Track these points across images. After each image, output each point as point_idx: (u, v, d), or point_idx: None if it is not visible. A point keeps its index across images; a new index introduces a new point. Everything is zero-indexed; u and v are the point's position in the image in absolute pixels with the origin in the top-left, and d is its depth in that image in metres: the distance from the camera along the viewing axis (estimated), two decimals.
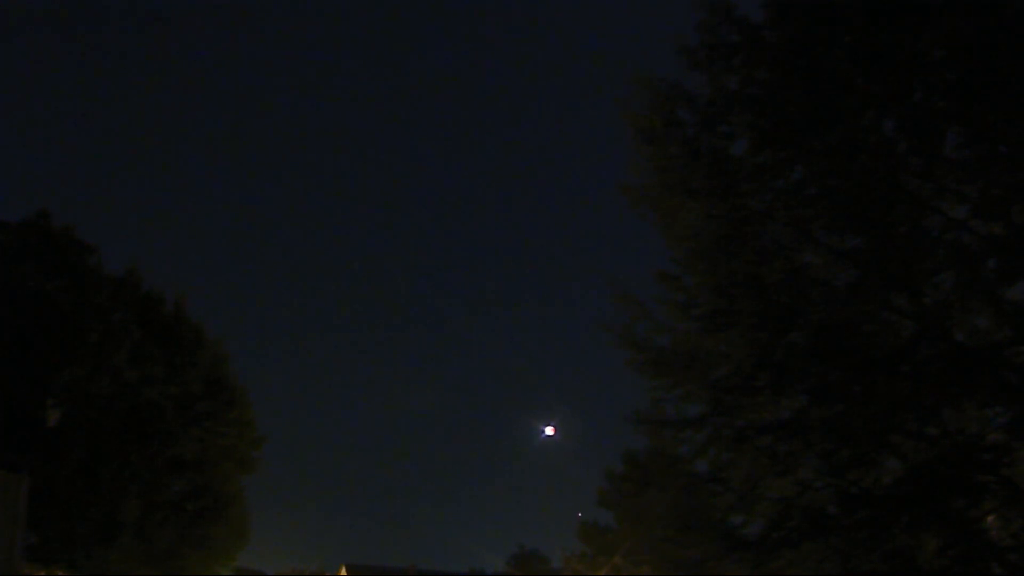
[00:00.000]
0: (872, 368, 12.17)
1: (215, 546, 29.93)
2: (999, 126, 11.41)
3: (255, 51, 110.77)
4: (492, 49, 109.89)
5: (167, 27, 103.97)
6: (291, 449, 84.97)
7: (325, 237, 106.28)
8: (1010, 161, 11.47)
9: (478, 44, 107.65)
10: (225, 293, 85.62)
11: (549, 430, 36.47)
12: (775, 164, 13.21)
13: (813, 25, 12.52)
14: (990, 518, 12.64)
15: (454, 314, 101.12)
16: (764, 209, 13.41)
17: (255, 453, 31.98)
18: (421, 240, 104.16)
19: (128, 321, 27.20)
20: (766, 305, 13.16)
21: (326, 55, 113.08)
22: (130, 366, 26.52)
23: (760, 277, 13.31)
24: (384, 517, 77.80)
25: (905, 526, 12.20)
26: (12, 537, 17.43)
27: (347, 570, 50.28)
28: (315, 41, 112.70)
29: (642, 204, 14.94)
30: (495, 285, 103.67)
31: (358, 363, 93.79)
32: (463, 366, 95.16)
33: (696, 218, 14.10)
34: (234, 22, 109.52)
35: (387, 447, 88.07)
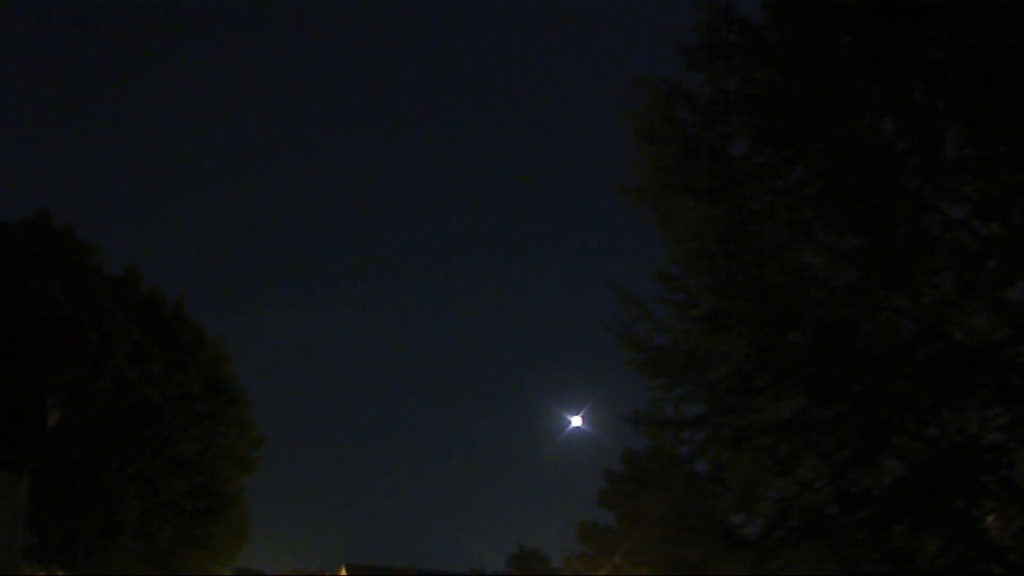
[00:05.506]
0: (872, 368, 12.17)
1: (215, 546, 29.92)
2: (999, 126, 11.41)
3: (255, 50, 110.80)
4: (492, 49, 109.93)
5: (166, 26, 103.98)
6: (291, 449, 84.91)
7: (326, 237, 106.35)
8: (1010, 161, 11.46)
9: (478, 44, 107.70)
10: (225, 293, 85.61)
11: (577, 420, 36.12)
12: (775, 164, 13.20)
13: (813, 25, 12.52)
14: (990, 518, 12.64)
15: (453, 313, 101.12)
16: (764, 209, 13.40)
17: (255, 453, 31.97)
18: (420, 240, 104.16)
19: (128, 321, 27.19)
20: (766, 305, 13.16)
21: (327, 54, 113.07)
22: (130, 366, 26.52)
23: (760, 277, 13.31)
24: (384, 517, 77.82)
25: (905, 526, 12.20)
26: (12, 537, 17.41)
27: (347, 570, 50.27)
28: (316, 40, 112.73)
29: (642, 204, 14.96)
30: (492, 284, 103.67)
31: (359, 363, 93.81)
32: (463, 365, 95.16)
33: (696, 218, 14.10)
34: (234, 21, 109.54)
35: (388, 447, 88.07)
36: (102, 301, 26.82)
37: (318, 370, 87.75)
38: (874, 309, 12.69)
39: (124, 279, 28.69)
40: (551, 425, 38.87)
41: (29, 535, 20.87)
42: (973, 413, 12.62)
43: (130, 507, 26.05)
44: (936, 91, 12.10)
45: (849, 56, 12.34)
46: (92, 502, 25.49)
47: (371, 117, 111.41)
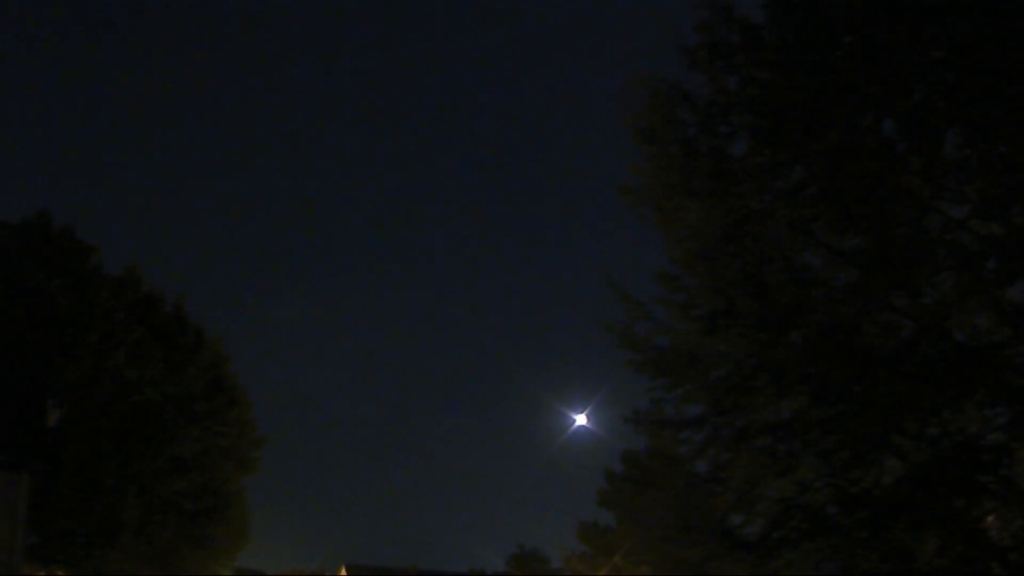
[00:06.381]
0: (872, 368, 12.17)
1: (215, 546, 29.94)
2: (999, 126, 11.41)
3: (255, 50, 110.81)
4: (492, 48, 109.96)
5: (167, 26, 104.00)
6: (291, 449, 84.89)
7: (327, 236, 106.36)
8: (1010, 161, 11.46)
9: (478, 43, 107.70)
10: (225, 293, 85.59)
11: (581, 419, 36.10)
12: (775, 164, 13.20)
13: (813, 25, 12.52)
14: (990, 518, 12.64)
15: (452, 312, 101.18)
16: (764, 209, 13.40)
17: (255, 453, 32.00)
18: (421, 239, 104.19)
19: (128, 321, 27.21)
20: (766, 305, 13.16)
21: (327, 52, 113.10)
22: (130, 366, 26.54)
23: (760, 277, 13.31)
24: (384, 517, 77.84)
25: (905, 526, 12.20)
26: (12, 537, 17.44)
27: (347, 570, 50.28)
28: (316, 39, 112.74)
29: (642, 204, 14.98)
30: (492, 283, 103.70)
31: (360, 362, 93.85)
32: (463, 363, 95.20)
33: (696, 218, 14.11)
34: (234, 21, 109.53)
35: (388, 446, 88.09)
36: (102, 301, 26.82)
37: (319, 369, 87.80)
38: (874, 309, 12.69)
39: (124, 279, 28.71)
40: (554, 424, 38.81)
41: (29, 535, 20.89)
42: (973, 413, 12.61)
43: (130, 507, 26.05)
44: (936, 91, 12.09)
45: (849, 56, 12.33)
46: (92, 502, 25.50)
47: (371, 116, 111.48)
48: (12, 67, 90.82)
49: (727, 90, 13.70)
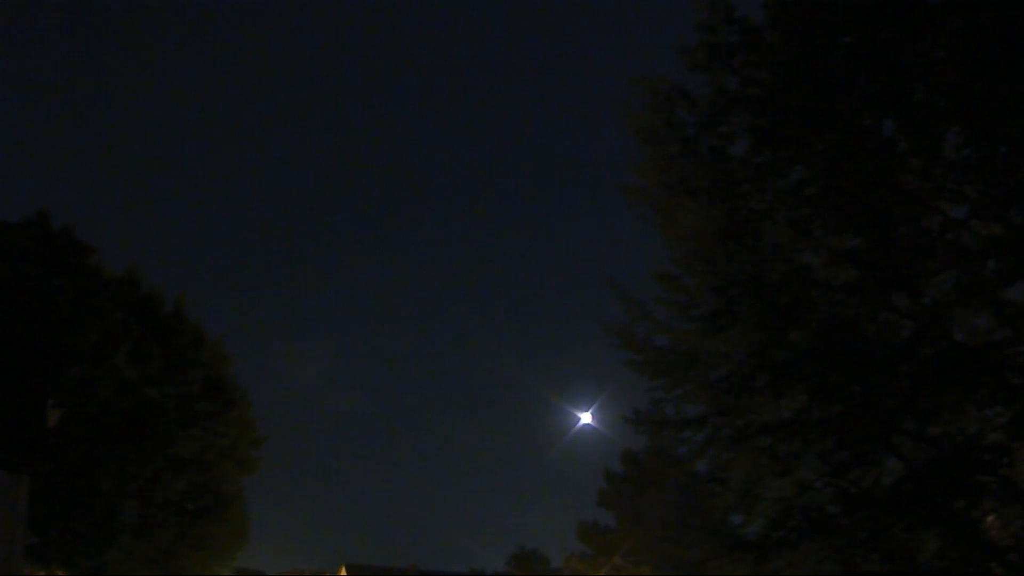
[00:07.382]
0: (872, 368, 12.17)
1: (215, 546, 29.95)
2: (999, 126, 11.40)
3: (255, 51, 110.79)
4: (492, 49, 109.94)
5: (167, 26, 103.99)
6: (291, 449, 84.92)
7: (328, 236, 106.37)
8: (1010, 161, 11.46)
9: (477, 44, 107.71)
10: (225, 293, 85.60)
11: (586, 417, 36.10)
12: (775, 164, 13.21)
13: (813, 25, 12.52)
14: (990, 518, 12.64)
15: (453, 311, 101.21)
16: (764, 209, 13.41)
17: (255, 453, 32.00)
18: (422, 239, 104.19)
19: (128, 321, 27.20)
20: (766, 305, 13.16)
21: (327, 54, 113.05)
22: (130, 366, 26.52)
23: (760, 277, 13.31)
24: (384, 517, 77.85)
25: (905, 526, 12.20)
26: (12, 537, 17.44)
27: (347, 570, 50.31)
28: (316, 41, 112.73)
29: (642, 204, 14.98)
30: (493, 281, 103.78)
31: (359, 362, 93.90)
32: (464, 363, 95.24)
33: (696, 218, 14.12)
34: (234, 21, 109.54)
35: (387, 446, 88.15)
36: (102, 301, 26.82)
37: (319, 369, 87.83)
38: (874, 309, 12.69)
39: (124, 279, 28.70)
40: (559, 422, 38.77)
41: (29, 535, 20.88)
42: (973, 413, 12.61)
43: (130, 507, 26.07)
44: (936, 91, 12.09)
45: (849, 56, 12.33)
46: (92, 502, 25.51)
47: (372, 117, 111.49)
48: (12, 67, 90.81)
49: (727, 90, 13.71)
